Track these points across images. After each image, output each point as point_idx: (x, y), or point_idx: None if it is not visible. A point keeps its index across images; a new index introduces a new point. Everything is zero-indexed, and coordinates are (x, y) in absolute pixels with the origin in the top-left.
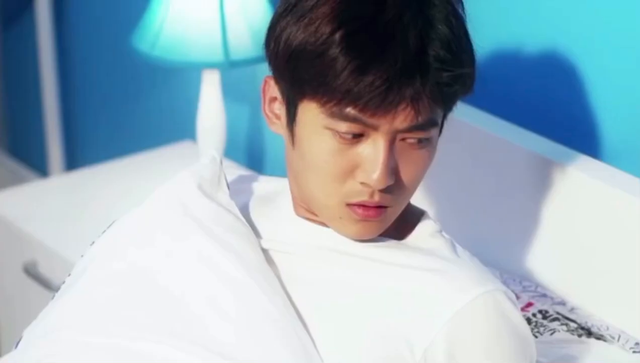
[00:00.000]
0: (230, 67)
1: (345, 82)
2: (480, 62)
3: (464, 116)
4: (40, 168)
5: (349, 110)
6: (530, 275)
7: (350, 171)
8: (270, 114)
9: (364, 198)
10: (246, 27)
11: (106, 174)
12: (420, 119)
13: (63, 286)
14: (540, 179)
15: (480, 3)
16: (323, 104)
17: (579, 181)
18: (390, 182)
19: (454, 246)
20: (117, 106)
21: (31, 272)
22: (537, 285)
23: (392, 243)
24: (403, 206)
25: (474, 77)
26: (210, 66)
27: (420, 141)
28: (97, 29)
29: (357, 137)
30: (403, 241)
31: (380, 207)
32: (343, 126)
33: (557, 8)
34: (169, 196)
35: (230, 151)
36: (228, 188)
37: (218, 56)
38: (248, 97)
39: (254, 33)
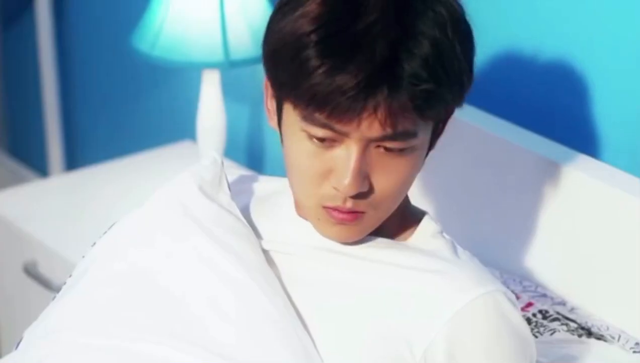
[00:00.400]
0: (230, 67)
1: (312, 86)
2: (481, 63)
3: (465, 116)
4: (40, 168)
5: (317, 115)
6: (530, 275)
7: (326, 174)
8: (271, 109)
9: (337, 202)
10: (246, 27)
11: (106, 174)
12: (389, 130)
13: (64, 287)
14: (541, 179)
15: (482, 6)
16: (295, 107)
17: (579, 181)
18: (362, 189)
19: (454, 247)
20: (117, 106)
21: (31, 272)
22: (537, 285)
23: (393, 243)
24: (387, 212)
25: (462, 93)
26: (211, 65)
27: (398, 149)
28: (97, 29)
29: (332, 141)
30: (404, 242)
31: (356, 212)
32: (315, 131)
33: (557, 11)
34: (169, 197)
35: (230, 151)
36: (229, 189)
37: (218, 55)
38: (248, 97)
39: (254, 33)
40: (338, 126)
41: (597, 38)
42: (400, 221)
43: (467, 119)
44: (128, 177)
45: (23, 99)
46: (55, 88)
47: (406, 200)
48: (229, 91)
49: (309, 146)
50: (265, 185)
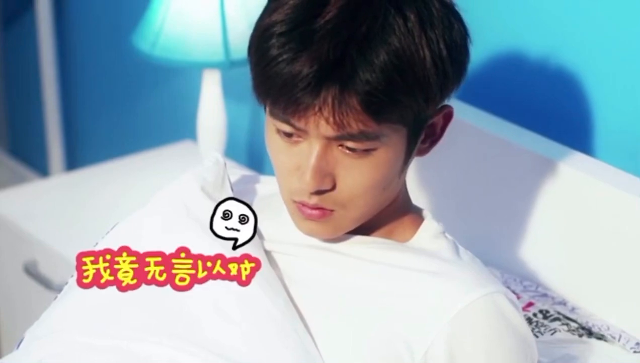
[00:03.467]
0: (230, 66)
1: (270, 77)
2: (481, 63)
3: (465, 117)
4: (40, 168)
5: (277, 108)
6: (530, 274)
7: (295, 169)
8: None
9: (303, 197)
10: (247, 27)
11: (106, 174)
12: (343, 129)
13: (65, 287)
14: (541, 179)
15: (483, 8)
16: (263, 101)
17: (580, 181)
18: (323, 187)
19: (456, 248)
20: (117, 106)
21: (31, 272)
22: (538, 285)
23: (394, 244)
24: (359, 212)
25: (430, 98)
26: (211, 65)
27: (364, 150)
28: (98, 29)
29: (298, 137)
30: (406, 243)
31: (323, 209)
32: (279, 125)
33: (557, 12)
34: (172, 198)
35: (230, 151)
36: (232, 190)
37: (219, 55)
38: (248, 97)
39: None
40: (294, 121)
41: (595, 38)
42: (401, 221)
43: (467, 120)
44: (128, 177)
45: (24, 99)
46: (56, 88)
47: (406, 200)
48: (230, 91)
49: (279, 141)
50: (267, 186)
